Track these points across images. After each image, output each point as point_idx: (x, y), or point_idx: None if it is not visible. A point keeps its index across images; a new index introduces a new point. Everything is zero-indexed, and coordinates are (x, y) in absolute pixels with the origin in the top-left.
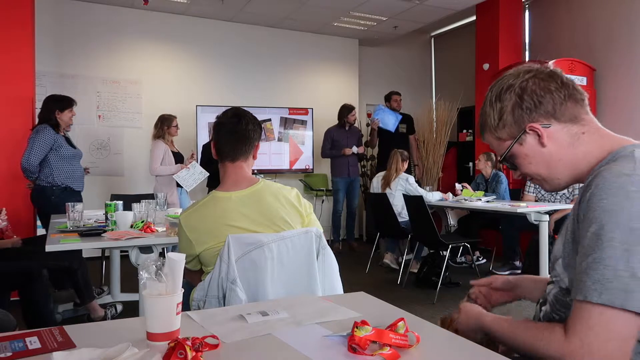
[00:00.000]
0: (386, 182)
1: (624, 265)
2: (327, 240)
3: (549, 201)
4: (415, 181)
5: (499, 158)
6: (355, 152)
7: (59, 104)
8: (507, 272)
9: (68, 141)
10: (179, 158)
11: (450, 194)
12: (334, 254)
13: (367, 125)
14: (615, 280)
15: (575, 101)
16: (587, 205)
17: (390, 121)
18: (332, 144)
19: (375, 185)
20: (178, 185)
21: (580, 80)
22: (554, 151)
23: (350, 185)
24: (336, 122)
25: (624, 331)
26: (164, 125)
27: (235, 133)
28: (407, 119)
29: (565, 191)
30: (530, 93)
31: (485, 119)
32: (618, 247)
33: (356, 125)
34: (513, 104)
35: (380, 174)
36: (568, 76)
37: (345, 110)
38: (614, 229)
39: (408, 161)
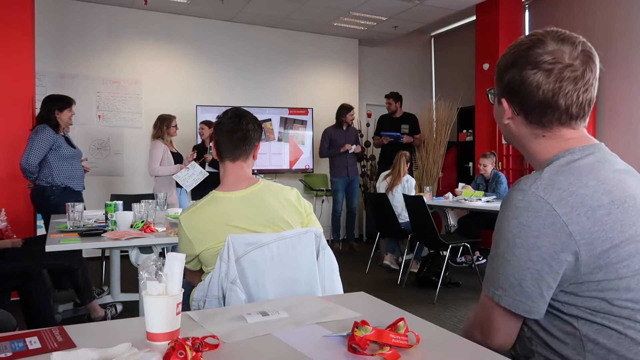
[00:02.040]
0: (390, 186)
1: (502, 270)
2: (327, 241)
3: None
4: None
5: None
6: (353, 151)
7: (58, 103)
8: None
9: (67, 141)
10: (178, 158)
11: (450, 194)
12: (334, 254)
13: (367, 125)
14: (495, 280)
15: (559, 118)
16: (499, 210)
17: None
18: (330, 143)
19: (379, 185)
20: (178, 185)
21: None
22: (513, 129)
23: (349, 185)
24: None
25: (500, 321)
26: (163, 125)
27: (235, 133)
28: (410, 119)
29: None
30: (529, 87)
31: (499, 62)
32: (501, 255)
33: (355, 125)
34: (511, 79)
35: (384, 174)
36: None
37: (344, 110)
38: (501, 238)
39: (410, 162)
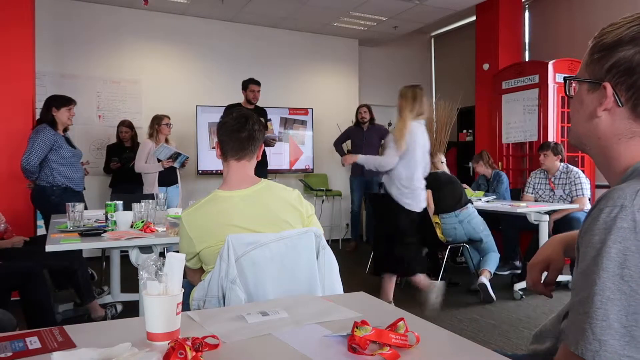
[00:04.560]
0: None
1: (600, 314)
2: (330, 240)
3: (547, 201)
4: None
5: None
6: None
7: (56, 101)
8: (507, 272)
9: (68, 141)
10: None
11: None
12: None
13: None
14: (588, 330)
15: None
16: (582, 234)
17: None
18: (350, 141)
19: None
20: (168, 185)
21: None
22: (604, 125)
23: (366, 185)
24: (347, 122)
25: None
26: (154, 124)
27: (242, 132)
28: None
29: (562, 192)
30: None
31: (602, 38)
32: (598, 294)
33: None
34: (626, 58)
35: None
36: None
37: (356, 110)
38: (598, 271)
39: None
